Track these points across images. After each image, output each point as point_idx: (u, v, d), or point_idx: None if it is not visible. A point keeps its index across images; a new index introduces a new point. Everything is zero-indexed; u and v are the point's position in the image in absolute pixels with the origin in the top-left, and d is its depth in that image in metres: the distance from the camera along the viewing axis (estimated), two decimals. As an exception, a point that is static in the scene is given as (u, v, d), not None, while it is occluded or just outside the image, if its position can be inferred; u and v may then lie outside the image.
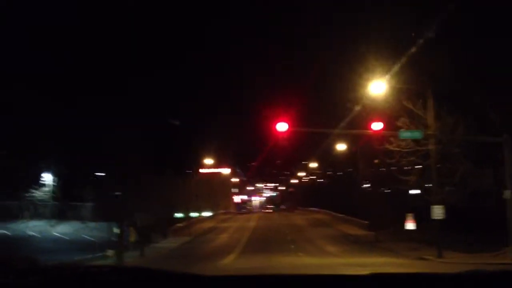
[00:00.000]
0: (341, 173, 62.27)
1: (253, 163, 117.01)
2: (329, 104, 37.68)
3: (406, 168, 25.52)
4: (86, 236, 39.92)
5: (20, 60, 46.31)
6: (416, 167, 24.89)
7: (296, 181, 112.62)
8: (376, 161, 37.04)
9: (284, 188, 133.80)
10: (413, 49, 20.73)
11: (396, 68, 21.98)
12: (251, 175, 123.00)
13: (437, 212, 21.63)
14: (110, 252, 27.81)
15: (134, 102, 43.87)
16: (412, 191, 30.97)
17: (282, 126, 20.79)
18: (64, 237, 41.54)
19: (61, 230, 44.58)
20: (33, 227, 45.59)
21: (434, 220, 21.77)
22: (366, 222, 40.11)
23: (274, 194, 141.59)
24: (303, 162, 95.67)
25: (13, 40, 43.32)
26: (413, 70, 22.06)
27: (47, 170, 48.17)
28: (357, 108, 25.48)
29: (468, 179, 22.90)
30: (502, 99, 21.10)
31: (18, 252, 28.04)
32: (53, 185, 48.54)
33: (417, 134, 21.70)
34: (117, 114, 40.59)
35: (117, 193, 34.00)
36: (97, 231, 37.33)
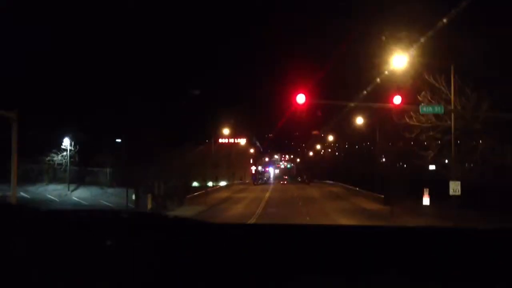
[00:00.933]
0: (358, 146, 62.03)
1: (271, 135, 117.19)
2: (350, 77, 37.33)
3: (425, 143, 25.32)
4: (104, 202, 40.51)
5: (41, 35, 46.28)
6: (435, 142, 24.66)
7: (312, 153, 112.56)
8: (395, 135, 36.73)
9: (300, 160, 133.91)
10: (440, 24, 20.28)
11: (420, 41, 21.60)
12: (268, 146, 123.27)
13: (454, 188, 21.46)
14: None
15: (155, 73, 43.97)
16: (430, 167, 30.75)
17: (301, 98, 20.64)
18: (83, 201, 42.19)
19: (79, 195, 45.29)
20: (52, 191, 46.40)
21: (451, 196, 21.62)
22: (382, 196, 39.95)
23: (290, 165, 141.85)
24: (320, 134, 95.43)
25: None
26: (437, 45, 21.61)
27: (67, 135, 48.64)
28: (378, 80, 25.11)
29: (489, 156, 22.62)
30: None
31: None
32: (72, 150, 49.06)
33: (438, 109, 21.41)
34: (138, 84, 40.76)
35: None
36: (115, 197, 37.87)
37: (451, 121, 22.33)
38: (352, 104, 30.53)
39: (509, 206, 21.07)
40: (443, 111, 21.64)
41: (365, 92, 27.25)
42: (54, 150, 48.72)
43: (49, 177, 49.64)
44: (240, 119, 71.95)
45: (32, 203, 36.77)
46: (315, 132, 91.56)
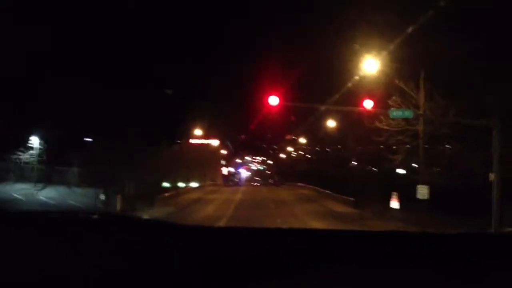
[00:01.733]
0: (329, 149, 62.45)
1: (242, 136, 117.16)
2: (323, 81, 37.55)
3: (394, 147, 25.65)
4: (72, 202, 39.82)
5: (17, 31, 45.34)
6: (404, 146, 25.00)
7: (284, 155, 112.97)
8: (365, 139, 37.13)
9: (272, 162, 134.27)
10: (409, 30, 20.58)
11: (390, 46, 21.88)
12: (240, 147, 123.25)
13: (422, 192, 21.80)
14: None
15: (125, 69, 43.47)
16: (399, 171, 31.17)
17: (273, 100, 20.72)
18: (50, 201, 41.40)
19: (47, 194, 44.42)
20: (19, 190, 45.38)
21: (419, 199, 21.95)
22: (352, 199, 40.34)
23: (262, 167, 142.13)
24: (292, 137, 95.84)
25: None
26: (408, 50, 21.92)
27: (35, 132, 47.71)
28: (351, 85, 25.39)
29: (456, 161, 23.04)
30: (497, 84, 21.07)
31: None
32: (40, 149, 48.14)
33: (407, 114, 21.72)
34: (108, 81, 40.25)
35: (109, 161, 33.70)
36: (83, 197, 37.25)
37: (420, 126, 22.70)
38: (323, 108, 30.75)
39: (475, 210, 21.48)
40: (412, 115, 21.95)
41: (337, 96, 27.54)
42: (21, 148, 47.73)
43: (16, 176, 48.56)
44: (212, 120, 71.80)
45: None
46: (288, 137, 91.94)
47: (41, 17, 49.06)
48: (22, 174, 48.52)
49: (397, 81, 23.19)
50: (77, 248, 1.71)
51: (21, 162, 48.29)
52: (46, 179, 47.02)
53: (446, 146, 24.53)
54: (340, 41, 26.78)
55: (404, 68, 23.24)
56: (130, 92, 41.39)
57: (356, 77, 24.98)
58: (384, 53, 22.05)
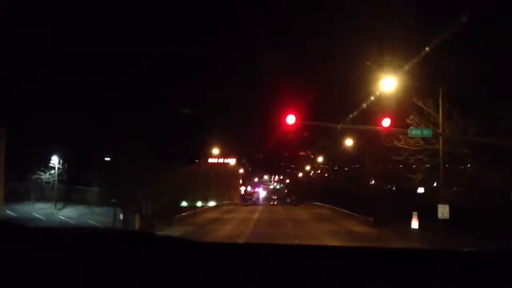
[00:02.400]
0: (347, 168, 62.12)
1: (260, 155, 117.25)
2: (340, 99, 37.60)
3: (413, 166, 25.45)
4: (91, 221, 40.11)
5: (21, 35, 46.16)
6: (424, 166, 24.80)
7: (302, 174, 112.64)
8: (383, 157, 36.90)
9: (289, 180, 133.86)
10: (427, 49, 20.57)
11: (408, 65, 21.87)
12: (258, 166, 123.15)
13: (443, 211, 21.55)
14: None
15: (144, 91, 43.98)
16: (419, 190, 30.87)
17: (290, 119, 20.76)
18: (70, 220, 41.76)
19: (67, 213, 44.83)
20: (39, 210, 45.90)
21: (439, 220, 21.68)
22: (370, 219, 39.98)
23: (279, 186, 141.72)
24: (310, 155, 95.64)
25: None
26: (426, 69, 21.89)
27: (55, 153, 48.31)
28: (367, 103, 25.35)
29: (477, 180, 22.76)
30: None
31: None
32: (60, 168, 48.69)
33: (426, 133, 21.58)
34: (128, 102, 40.74)
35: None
36: (102, 216, 37.53)
37: (439, 145, 22.51)
38: (340, 127, 30.73)
39: (497, 231, 21.13)
40: (431, 134, 21.81)
41: (354, 113, 27.50)
42: (41, 168, 48.31)
43: (36, 196, 49.10)
44: (229, 139, 72.14)
45: (18, 222, 36.20)
46: (302, 153, 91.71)
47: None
48: (42, 194, 49.05)
49: (415, 100, 23.10)
50: (98, 264, 1.73)
51: (41, 182, 48.85)
52: (66, 199, 47.48)
53: (468, 166, 24.25)
54: (357, 59, 26.86)
55: (422, 86, 23.17)
56: (147, 112, 41.88)
57: (374, 96, 24.98)
58: (402, 71, 22.07)
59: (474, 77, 21.54)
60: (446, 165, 22.74)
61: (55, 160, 48.44)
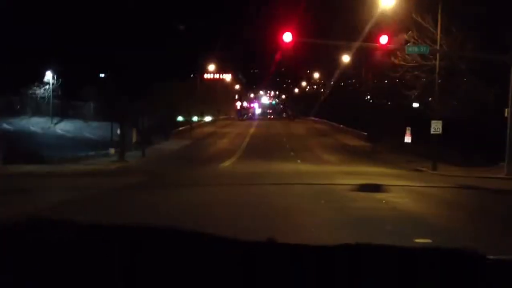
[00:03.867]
0: (343, 84, 61.93)
1: (256, 70, 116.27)
2: (337, 15, 36.91)
3: (409, 83, 25.48)
4: (88, 135, 40.51)
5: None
6: (420, 81, 24.81)
7: (298, 90, 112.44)
8: (380, 74, 36.79)
9: (286, 96, 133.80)
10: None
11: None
12: (254, 81, 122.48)
13: (435, 126, 21.86)
14: (112, 151, 28.46)
15: (139, 5, 42.75)
16: (414, 105, 31.08)
17: (287, 36, 20.50)
18: (67, 134, 42.14)
19: (63, 127, 45.12)
20: (35, 124, 46.13)
21: (432, 134, 22.05)
22: (365, 133, 40.52)
23: (275, 102, 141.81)
24: (307, 71, 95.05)
25: None
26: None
27: (49, 68, 47.77)
28: (366, 19, 24.98)
29: (472, 96, 22.89)
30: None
31: (22, 146, 28.55)
32: (54, 84, 48.36)
33: (424, 49, 21.42)
34: (123, 17, 39.76)
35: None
36: (99, 130, 37.85)
37: (436, 61, 22.43)
38: (338, 43, 30.43)
39: (488, 145, 21.61)
40: (428, 51, 21.66)
41: (352, 31, 27.13)
42: (36, 83, 47.97)
43: (32, 110, 49.09)
44: (225, 54, 71.07)
45: (15, 135, 36.56)
46: (302, 72, 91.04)
47: None
48: (38, 108, 49.00)
49: (413, 15, 22.70)
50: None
51: (37, 97, 48.67)
52: (62, 113, 47.54)
53: (463, 79, 24.22)
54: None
55: (421, 2, 22.72)
56: (143, 27, 40.95)
57: (372, 12, 24.56)
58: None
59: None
60: (439, 81, 22.71)
61: (49, 75, 48.00)
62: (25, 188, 13.60)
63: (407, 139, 26.32)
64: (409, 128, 26.45)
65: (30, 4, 42.02)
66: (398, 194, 12.58)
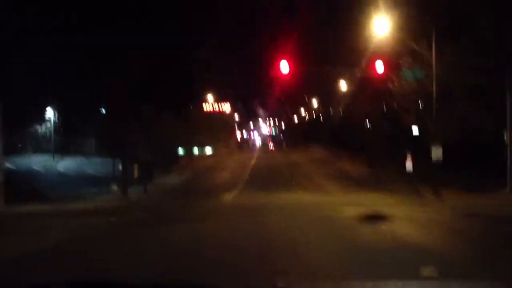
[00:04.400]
0: (341, 110, 62.26)
1: (255, 99, 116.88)
2: (333, 43, 37.36)
3: (407, 107, 25.66)
4: (90, 171, 40.59)
5: None
6: (417, 106, 25.00)
7: (297, 118, 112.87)
8: (376, 99, 37.03)
9: (285, 124, 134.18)
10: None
11: (401, 5, 21.76)
12: (253, 111, 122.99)
13: (436, 152, 21.94)
14: (114, 187, 28.52)
15: (138, 33, 43.11)
16: (413, 131, 31.21)
17: (284, 65, 20.83)
18: (68, 171, 42.21)
19: (65, 164, 45.23)
20: (37, 163, 46.25)
21: (433, 159, 22.10)
22: (365, 160, 40.57)
23: (275, 131, 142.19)
24: (305, 99, 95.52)
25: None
26: (418, 10, 21.78)
27: (50, 104, 48.18)
28: (361, 46, 25.33)
29: (470, 119, 23.02)
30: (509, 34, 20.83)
31: (24, 185, 28.60)
32: (56, 122, 48.72)
33: (418, 74, 21.67)
34: (120, 46, 40.06)
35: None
36: (101, 166, 37.96)
37: (432, 86, 22.65)
38: (335, 69, 30.80)
39: (486, 167, 21.65)
40: (423, 75, 21.90)
41: (348, 57, 27.49)
42: (37, 121, 48.33)
43: (33, 148, 49.32)
44: (224, 83, 71.55)
45: (18, 174, 36.66)
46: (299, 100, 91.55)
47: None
48: (39, 146, 49.23)
49: (407, 41, 23.03)
50: None
51: (38, 134, 48.95)
52: (63, 150, 47.74)
53: (461, 103, 24.38)
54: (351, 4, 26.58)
55: (414, 27, 23.04)
56: (140, 59, 41.38)
57: (367, 38, 24.89)
58: (394, 12, 21.94)
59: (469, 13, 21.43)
60: (437, 106, 22.88)
61: (50, 113, 48.38)
62: (29, 228, 13.66)
63: (408, 165, 26.33)
64: (410, 153, 26.50)
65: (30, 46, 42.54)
66: (401, 223, 12.60)
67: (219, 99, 74.82)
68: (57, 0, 47.90)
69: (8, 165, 41.98)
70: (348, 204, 18.12)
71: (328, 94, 56.29)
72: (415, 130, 29.77)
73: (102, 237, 11.94)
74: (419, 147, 24.94)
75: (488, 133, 22.63)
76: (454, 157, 22.97)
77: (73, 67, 43.94)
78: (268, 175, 38.35)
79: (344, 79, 43.98)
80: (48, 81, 43.68)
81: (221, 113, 80.00)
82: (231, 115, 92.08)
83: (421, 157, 24.00)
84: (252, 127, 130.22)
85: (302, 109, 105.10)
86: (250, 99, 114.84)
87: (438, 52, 22.28)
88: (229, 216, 16.44)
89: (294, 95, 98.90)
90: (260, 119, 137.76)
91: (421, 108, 25.02)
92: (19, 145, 49.53)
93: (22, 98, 41.42)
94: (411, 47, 23.14)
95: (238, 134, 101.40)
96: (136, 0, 52.06)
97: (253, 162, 52.32)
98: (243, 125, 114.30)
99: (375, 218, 13.11)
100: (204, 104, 68.20)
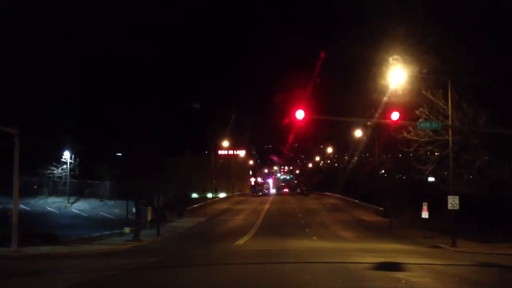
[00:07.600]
0: (356, 158, 62.14)
1: (270, 146, 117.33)
2: (349, 93, 37.73)
3: (423, 157, 25.50)
4: (103, 213, 40.68)
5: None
6: (433, 156, 24.85)
7: (312, 165, 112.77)
8: (393, 148, 36.94)
9: (300, 171, 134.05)
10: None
11: (416, 56, 21.94)
12: (267, 157, 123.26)
13: (453, 202, 21.65)
14: (127, 230, 28.40)
15: (154, 85, 44.11)
16: (429, 179, 30.96)
17: (299, 114, 20.92)
18: (82, 213, 42.31)
19: (79, 207, 45.43)
20: (52, 204, 46.56)
21: (450, 210, 21.80)
22: (380, 208, 40.18)
23: (289, 177, 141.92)
24: (320, 146, 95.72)
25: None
26: (434, 60, 21.94)
27: (66, 148, 48.77)
28: (377, 96, 25.49)
29: (487, 170, 22.77)
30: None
31: (38, 227, 28.64)
32: (72, 164, 49.19)
33: (435, 125, 21.60)
34: (138, 96, 40.85)
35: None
36: (115, 208, 38.05)
37: (448, 136, 22.56)
38: (351, 119, 30.92)
39: (504, 220, 21.27)
40: (440, 126, 21.83)
41: (363, 106, 27.60)
42: (54, 163, 48.80)
43: (49, 190, 49.71)
44: (238, 130, 72.25)
45: (32, 216, 36.83)
46: (314, 147, 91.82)
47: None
48: (55, 188, 49.63)
49: (424, 92, 23.10)
50: None
51: (54, 177, 49.35)
52: (78, 193, 48.03)
53: (477, 155, 24.20)
54: (367, 54, 26.87)
55: (430, 78, 23.16)
56: (158, 106, 42.01)
57: (383, 89, 25.04)
58: (410, 63, 22.10)
59: (485, 67, 21.55)
60: (454, 154, 22.73)
61: (67, 155, 48.90)
62: (40, 270, 13.63)
63: (424, 214, 25.98)
64: (426, 203, 26.19)
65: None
66: (417, 273, 12.30)
67: (234, 146, 75.34)
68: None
69: (22, 206, 42.39)
70: (363, 252, 17.83)
71: (343, 142, 56.32)
72: (431, 178, 29.53)
73: (114, 281, 11.82)
74: (436, 196, 24.66)
75: (505, 183, 22.32)
76: (471, 207, 22.66)
77: (94, 113, 44.77)
78: (281, 221, 38.07)
79: (360, 128, 44.09)
80: (67, 125, 44.49)
81: (236, 159, 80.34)
82: (246, 161, 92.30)
83: (438, 207, 23.70)
84: (266, 172, 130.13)
85: (317, 157, 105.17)
86: (266, 146, 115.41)
87: (453, 102, 22.31)
88: (240, 260, 16.23)
89: (309, 143, 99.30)
90: (275, 166, 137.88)
91: (437, 157, 24.85)
92: (35, 187, 49.92)
93: (39, 140, 42.00)
94: (427, 97, 23.19)
95: (253, 180, 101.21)
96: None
97: (266, 207, 52.03)
98: (257, 170, 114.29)
99: (389, 267, 12.86)
100: (219, 151, 68.65)
